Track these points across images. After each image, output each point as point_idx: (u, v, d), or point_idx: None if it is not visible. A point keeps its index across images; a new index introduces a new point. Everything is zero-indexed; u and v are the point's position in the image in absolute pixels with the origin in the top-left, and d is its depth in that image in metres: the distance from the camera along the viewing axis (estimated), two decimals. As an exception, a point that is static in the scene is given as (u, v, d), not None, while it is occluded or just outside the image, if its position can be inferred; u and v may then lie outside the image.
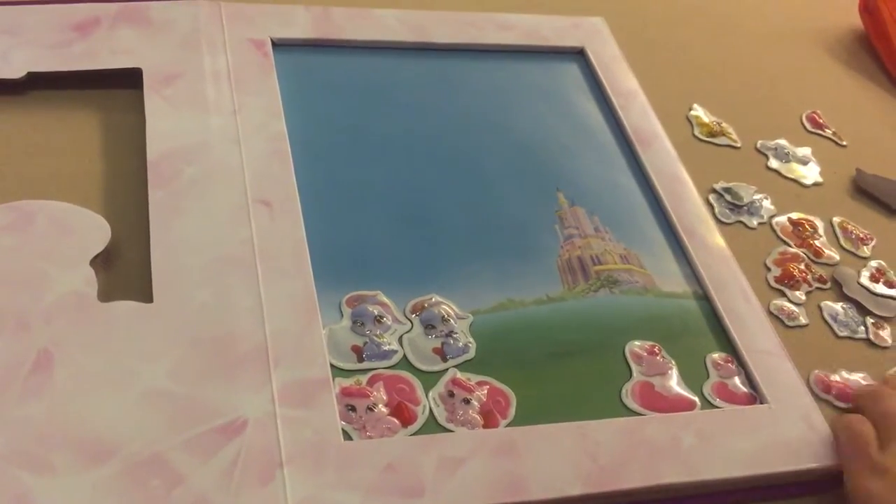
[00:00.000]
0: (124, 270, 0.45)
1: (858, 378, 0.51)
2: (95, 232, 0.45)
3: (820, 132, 0.68)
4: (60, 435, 0.38)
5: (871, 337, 0.54)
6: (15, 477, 0.36)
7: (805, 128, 0.68)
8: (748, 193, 0.60)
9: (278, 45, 0.57)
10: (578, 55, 0.65)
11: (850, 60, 0.77)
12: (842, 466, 0.45)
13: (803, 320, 0.53)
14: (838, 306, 0.55)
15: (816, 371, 0.51)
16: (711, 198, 0.59)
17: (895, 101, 0.74)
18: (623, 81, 0.63)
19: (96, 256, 0.44)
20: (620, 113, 0.61)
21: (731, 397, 0.47)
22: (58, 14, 0.55)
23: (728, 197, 0.59)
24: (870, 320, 0.55)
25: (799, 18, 0.79)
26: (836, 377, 0.51)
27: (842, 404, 0.49)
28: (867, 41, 0.79)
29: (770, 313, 0.52)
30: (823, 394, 0.50)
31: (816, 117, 0.69)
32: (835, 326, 0.54)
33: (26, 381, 0.39)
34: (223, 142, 0.51)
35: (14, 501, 0.36)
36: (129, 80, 0.53)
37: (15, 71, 0.52)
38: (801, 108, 0.70)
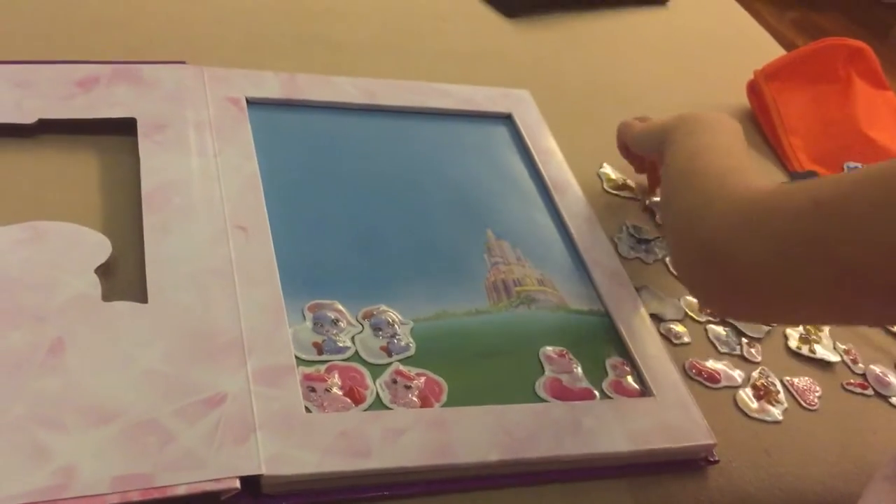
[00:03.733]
0: (123, 278, 0.54)
1: (723, 366, 0.62)
2: (98, 247, 0.54)
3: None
4: (72, 403, 0.46)
5: (745, 353, 0.65)
6: (34, 433, 0.44)
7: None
8: (650, 233, 0.71)
9: (252, 102, 0.68)
10: (507, 119, 0.77)
11: (739, 133, 0.90)
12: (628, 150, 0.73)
13: (687, 339, 0.64)
14: (720, 329, 0.66)
15: (691, 359, 0.62)
16: (616, 237, 0.70)
17: (777, 171, 0.87)
18: (544, 142, 0.75)
19: (99, 267, 0.53)
20: (541, 166, 0.72)
21: (625, 391, 0.57)
22: (63, 72, 0.65)
23: (632, 231, 0.70)
24: (744, 340, 0.66)
25: (695, 95, 0.92)
26: (706, 363, 0.62)
27: (709, 384, 0.61)
28: (754, 118, 0.92)
29: (661, 334, 0.63)
30: (696, 376, 0.61)
31: (708, 177, 0.81)
32: (717, 345, 0.64)
33: (43, 362, 0.47)
34: (205, 178, 0.60)
35: (34, 451, 0.44)
36: (124, 128, 0.63)
37: (27, 117, 0.61)
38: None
